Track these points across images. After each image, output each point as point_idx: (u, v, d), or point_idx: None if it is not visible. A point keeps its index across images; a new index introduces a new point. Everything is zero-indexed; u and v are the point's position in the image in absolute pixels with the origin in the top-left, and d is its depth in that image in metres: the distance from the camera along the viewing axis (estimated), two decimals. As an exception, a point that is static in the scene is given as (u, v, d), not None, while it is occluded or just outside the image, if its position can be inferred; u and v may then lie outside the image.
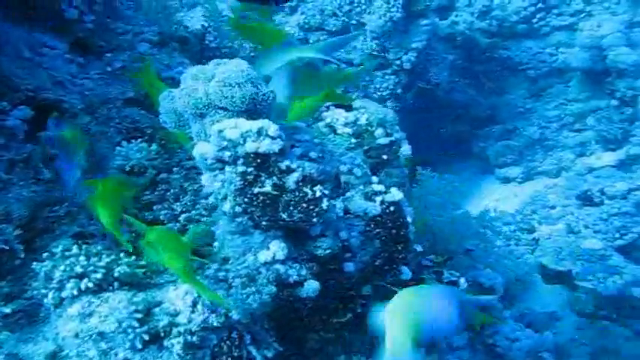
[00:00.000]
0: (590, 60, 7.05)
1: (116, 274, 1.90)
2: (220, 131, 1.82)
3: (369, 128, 2.45)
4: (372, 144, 2.45)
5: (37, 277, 1.91)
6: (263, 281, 1.89)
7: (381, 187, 2.27)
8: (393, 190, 2.28)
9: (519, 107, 7.42)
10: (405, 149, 2.50)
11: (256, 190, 1.83)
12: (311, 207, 1.85)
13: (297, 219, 1.86)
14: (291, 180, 1.84)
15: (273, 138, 1.80)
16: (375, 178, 2.32)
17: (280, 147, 1.81)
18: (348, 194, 2.25)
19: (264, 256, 1.91)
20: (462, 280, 2.51)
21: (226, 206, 1.87)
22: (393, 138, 2.46)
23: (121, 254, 1.95)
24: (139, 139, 2.29)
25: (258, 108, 2.00)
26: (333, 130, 2.45)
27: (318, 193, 1.84)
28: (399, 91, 5.95)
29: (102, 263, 1.87)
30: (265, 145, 1.78)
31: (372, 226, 2.20)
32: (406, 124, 6.15)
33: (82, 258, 1.86)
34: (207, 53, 2.98)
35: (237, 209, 1.86)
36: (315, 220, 1.87)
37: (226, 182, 1.85)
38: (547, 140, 7.22)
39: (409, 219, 2.28)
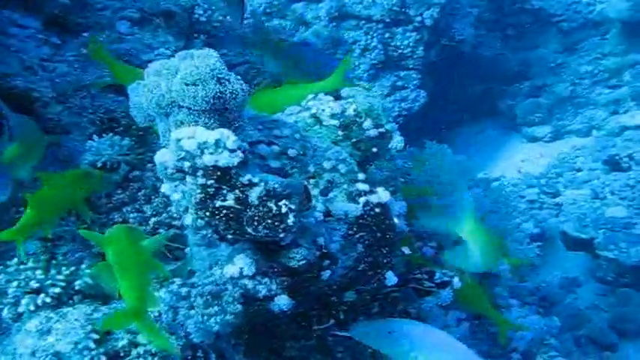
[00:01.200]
0: (630, 10, 6.66)
1: (77, 287, 1.78)
2: (178, 140, 1.68)
3: (358, 119, 2.27)
4: (361, 136, 2.28)
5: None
6: (228, 299, 1.76)
7: (365, 187, 2.12)
8: (380, 190, 2.13)
9: (550, 62, 7.09)
10: (397, 141, 2.32)
11: (218, 203, 1.69)
12: (276, 223, 1.70)
13: (263, 234, 1.72)
14: (253, 194, 1.69)
15: (232, 150, 1.64)
16: (361, 175, 2.17)
17: (240, 160, 1.65)
18: (331, 194, 2.10)
19: (230, 271, 1.78)
20: (456, 280, 2.36)
21: (188, 219, 1.74)
22: (383, 129, 2.29)
23: (83, 265, 1.83)
24: (114, 132, 2.16)
25: (227, 107, 1.85)
26: (319, 121, 2.28)
27: (283, 209, 1.70)
28: (420, 49, 5.69)
29: (61, 277, 1.76)
30: (224, 159, 1.63)
31: (355, 229, 2.06)
32: (429, 84, 5.96)
33: (38, 272, 1.74)
34: (197, 27, 2.80)
35: (200, 222, 1.72)
36: (282, 235, 1.72)
37: (187, 194, 1.71)
38: (578, 97, 6.92)
39: (396, 220, 2.12)
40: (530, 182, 6.12)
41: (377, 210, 2.09)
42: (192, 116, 1.83)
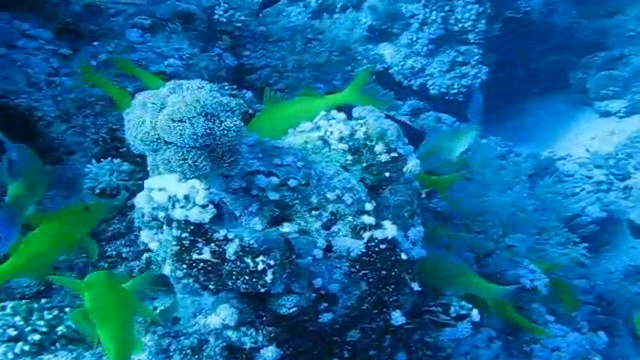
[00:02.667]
0: None
1: (59, 332, 1.74)
2: (150, 190, 1.59)
3: (368, 143, 2.12)
4: (372, 161, 2.13)
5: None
6: (210, 353, 1.69)
7: (371, 220, 1.99)
8: (387, 224, 2.00)
9: (630, 31, 6.61)
10: (413, 165, 2.16)
11: (194, 256, 1.61)
12: (254, 280, 1.60)
13: (243, 289, 1.63)
14: (230, 250, 1.59)
15: (202, 206, 1.54)
16: (369, 205, 2.04)
17: (212, 215, 1.55)
18: (334, 227, 1.99)
19: (212, 321, 1.70)
20: (475, 313, 2.22)
21: (167, 269, 1.66)
22: (395, 154, 2.13)
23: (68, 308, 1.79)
24: (118, 151, 2.10)
25: (218, 144, 1.75)
26: (328, 144, 2.14)
27: (260, 266, 1.60)
28: (482, 22, 5.39)
29: (42, 322, 1.71)
30: (194, 215, 1.53)
31: (358, 266, 1.94)
32: (492, 59, 5.66)
33: (17, 318, 1.70)
34: (218, 28, 2.68)
35: (179, 273, 1.64)
36: (262, 290, 1.63)
37: (163, 244, 1.63)
38: (659, 70, 6.44)
39: (404, 256, 1.99)
40: (598, 162, 5.78)
41: (382, 246, 1.97)
42: (179, 154, 1.74)
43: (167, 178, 1.58)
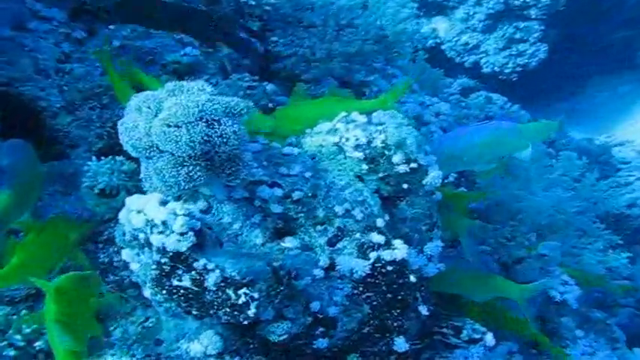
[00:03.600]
0: None
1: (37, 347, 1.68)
2: (129, 210, 1.49)
3: (386, 152, 1.97)
4: (390, 171, 1.99)
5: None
6: (189, 382, 1.60)
7: (380, 239, 1.86)
8: (398, 243, 1.87)
9: None
10: (433, 177, 2.01)
11: (175, 282, 1.51)
12: (235, 312, 1.50)
13: (225, 320, 1.53)
14: (210, 280, 1.49)
15: (181, 234, 1.43)
16: (380, 222, 1.90)
17: (191, 244, 1.44)
18: (340, 244, 1.86)
19: (194, 349, 1.61)
20: (489, 337, 2.08)
21: (147, 293, 1.57)
22: (415, 165, 1.98)
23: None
24: (118, 151, 2.00)
25: (217, 152, 1.63)
26: (342, 151, 2.00)
27: (242, 299, 1.49)
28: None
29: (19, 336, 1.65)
30: (171, 243, 1.43)
31: (361, 289, 1.82)
32: (553, 36, 5.34)
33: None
34: (246, 11, 2.53)
35: (159, 297, 1.55)
36: (245, 322, 1.52)
37: (143, 267, 1.53)
38: None
39: (413, 278, 1.86)
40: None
41: (390, 268, 1.84)
42: (173, 162, 1.63)
43: (147, 200, 1.48)
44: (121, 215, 1.55)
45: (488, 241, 2.58)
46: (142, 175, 1.69)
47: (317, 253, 1.84)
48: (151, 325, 1.72)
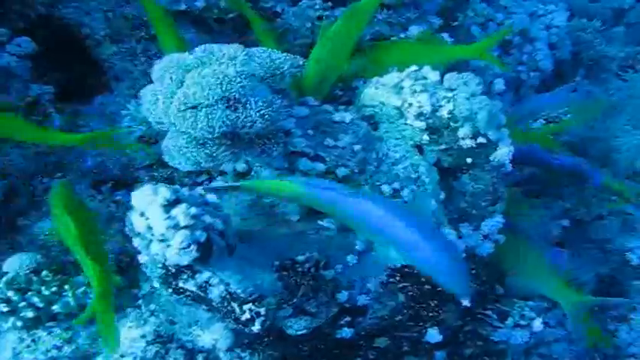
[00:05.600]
0: None
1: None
2: (132, 208, 1.39)
3: (452, 124, 1.74)
4: (453, 144, 1.77)
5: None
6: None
7: (428, 228, 1.69)
8: (446, 232, 1.70)
9: None
10: (503, 153, 1.78)
11: (180, 284, 1.44)
12: (241, 326, 1.43)
13: (232, 327, 1.47)
14: (214, 293, 1.41)
15: (182, 249, 1.33)
16: (432, 203, 1.73)
17: (192, 259, 1.34)
18: (381, 227, 1.71)
19: (204, 339, 1.58)
20: (537, 323, 1.93)
21: (156, 284, 1.52)
22: (484, 140, 1.75)
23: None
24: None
25: (239, 133, 1.49)
26: (404, 116, 1.79)
27: (247, 315, 1.41)
28: None
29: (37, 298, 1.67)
30: (172, 257, 1.34)
31: (398, 278, 1.70)
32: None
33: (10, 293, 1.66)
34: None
35: (169, 291, 1.50)
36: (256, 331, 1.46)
37: (150, 261, 1.47)
38: None
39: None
40: None
41: (432, 260, 1.69)
42: (194, 143, 1.51)
43: (151, 200, 1.34)
44: (135, 197, 1.44)
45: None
46: (162, 147, 1.57)
47: (356, 234, 1.71)
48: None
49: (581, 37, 2.94)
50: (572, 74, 2.89)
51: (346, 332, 1.67)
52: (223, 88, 1.43)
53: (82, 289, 1.68)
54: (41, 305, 1.64)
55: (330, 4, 2.06)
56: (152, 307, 1.68)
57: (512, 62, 2.67)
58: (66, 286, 1.66)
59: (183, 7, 1.99)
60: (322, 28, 1.88)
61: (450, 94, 1.74)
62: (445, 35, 2.16)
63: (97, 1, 1.90)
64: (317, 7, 2.04)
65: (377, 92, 1.84)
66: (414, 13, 2.16)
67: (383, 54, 1.98)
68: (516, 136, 1.87)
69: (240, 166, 1.71)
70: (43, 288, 1.64)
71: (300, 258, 1.57)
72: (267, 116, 1.47)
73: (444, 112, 1.73)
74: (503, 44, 2.64)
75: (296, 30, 2.05)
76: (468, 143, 1.75)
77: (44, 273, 1.67)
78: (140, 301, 1.70)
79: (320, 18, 2.04)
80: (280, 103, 1.53)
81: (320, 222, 1.70)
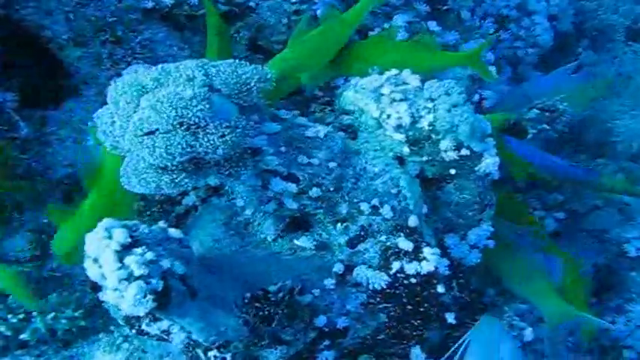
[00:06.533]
0: None
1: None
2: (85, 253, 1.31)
3: (433, 136, 1.65)
4: (436, 155, 1.68)
5: None
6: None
7: (408, 246, 1.62)
8: (427, 253, 1.63)
9: None
10: (489, 164, 1.68)
11: (143, 326, 1.39)
12: (207, 369, 1.38)
13: (200, 369, 1.42)
14: (176, 339, 1.35)
15: (137, 300, 1.26)
16: (413, 220, 1.65)
17: (149, 309, 1.27)
18: (360, 246, 1.65)
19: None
20: (528, 332, 1.88)
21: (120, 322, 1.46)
22: (467, 151, 1.65)
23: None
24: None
25: (200, 162, 1.42)
26: (382, 127, 1.69)
27: (212, 361, 1.35)
28: None
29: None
30: (127, 307, 1.26)
31: (379, 299, 1.64)
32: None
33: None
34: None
35: (132, 331, 1.44)
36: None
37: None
38: None
39: (441, 289, 1.64)
40: None
41: (413, 280, 1.63)
42: (154, 168, 1.43)
43: (104, 246, 1.26)
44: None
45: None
46: (120, 171, 1.49)
47: (334, 253, 1.64)
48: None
49: (584, 7, 2.78)
50: (575, 46, 2.77)
51: (327, 355, 1.62)
52: (180, 113, 1.34)
53: (52, 314, 1.63)
54: (9, 334, 1.59)
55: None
56: (125, 331, 1.63)
57: (509, 38, 2.55)
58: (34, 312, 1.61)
59: (150, 4, 1.88)
60: (297, 29, 1.77)
61: (430, 105, 1.64)
62: (433, 24, 2.04)
63: (57, 1, 1.79)
64: (293, 0, 1.92)
65: (356, 96, 1.74)
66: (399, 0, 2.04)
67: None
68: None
69: (213, 181, 1.62)
70: (10, 316, 1.59)
71: (273, 288, 1.50)
72: (230, 141, 1.39)
73: (424, 124, 1.63)
74: (500, 19, 2.52)
75: (272, 26, 1.94)
76: (450, 155, 1.66)
77: (10, 300, 1.62)
78: (112, 327, 1.65)
79: (297, 12, 1.92)
80: (245, 124, 1.44)
81: (296, 241, 1.63)
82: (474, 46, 2.04)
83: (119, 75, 1.79)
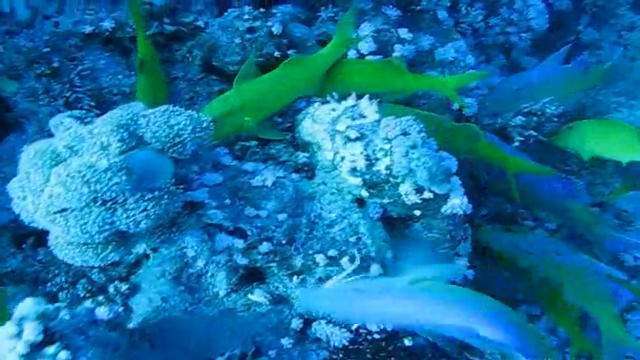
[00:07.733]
0: None
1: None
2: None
3: (391, 180, 1.50)
4: (397, 198, 1.53)
5: None
6: None
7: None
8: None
9: None
10: (457, 205, 1.54)
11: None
12: None
13: None
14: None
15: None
16: (375, 269, 1.53)
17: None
18: (320, 300, 1.53)
19: None
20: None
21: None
22: (430, 194, 1.51)
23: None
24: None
25: (126, 233, 1.30)
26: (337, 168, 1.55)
27: None
28: None
29: None
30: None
31: (341, 355, 1.53)
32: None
33: None
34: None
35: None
36: None
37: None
38: None
39: (407, 342, 1.53)
40: None
41: (377, 336, 1.51)
42: (74, 244, 1.32)
43: (11, 349, 1.15)
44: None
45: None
46: (49, 239, 1.38)
47: (292, 307, 1.53)
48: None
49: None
50: (575, 25, 2.54)
51: (285, 421, 1.53)
52: (93, 188, 1.22)
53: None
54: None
55: (262, 10, 1.77)
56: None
57: (500, 23, 2.34)
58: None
59: (88, 29, 1.73)
60: (246, 64, 1.63)
61: (387, 146, 1.49)
62: (404, 31, 1.85)
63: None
64: (246, 16, 1.74)
65: (313, 128, 1.60)
66: (367, 4, 1.85)
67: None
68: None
69: (143, 249, 1.51)
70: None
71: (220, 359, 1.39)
72: (153, 215, 1.26)
73: (380, 167, 1.49)
74: (490, 3, 2.31)
75: (225, 46, 1.77)
76: (412, 199, 1.51)
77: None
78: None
79: (251, 30, 1.76)
80: (173, 190, 1.31)
81: (251, 296, 1.51)
82: (454, 75, 1.92)
83: (59, 111, 1.66)
